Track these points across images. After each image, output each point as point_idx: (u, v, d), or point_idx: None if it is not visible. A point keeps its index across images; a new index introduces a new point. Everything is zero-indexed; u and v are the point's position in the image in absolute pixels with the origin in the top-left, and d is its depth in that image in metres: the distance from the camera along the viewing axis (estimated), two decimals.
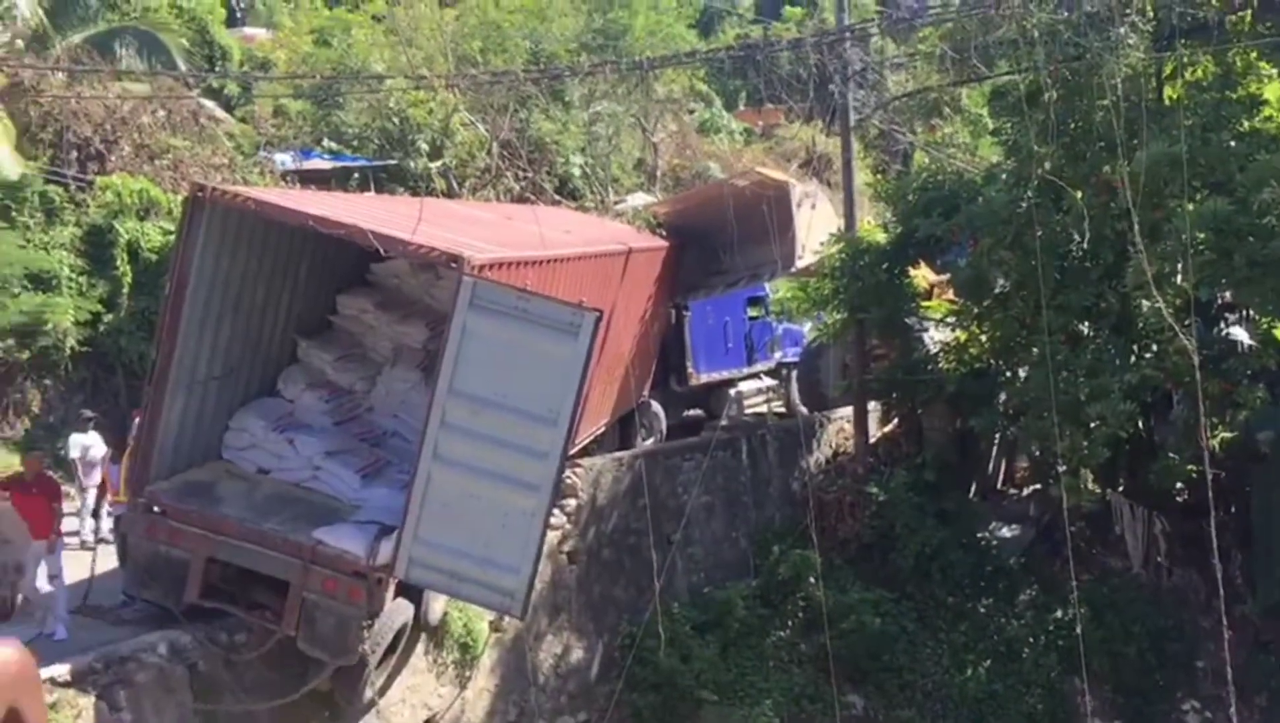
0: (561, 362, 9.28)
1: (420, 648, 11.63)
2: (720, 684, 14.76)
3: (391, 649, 10.49)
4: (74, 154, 19.21)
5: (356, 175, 23.11)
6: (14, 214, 17.41)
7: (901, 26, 20.86)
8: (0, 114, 19.43)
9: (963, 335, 18.69)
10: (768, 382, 22.22)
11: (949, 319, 19.16)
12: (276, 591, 9.88)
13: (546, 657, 13.66)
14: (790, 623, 16.22)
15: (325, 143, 24.10)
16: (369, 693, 10.51)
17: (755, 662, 15.40)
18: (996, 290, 17.43)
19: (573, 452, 11.86)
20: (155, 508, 9.93)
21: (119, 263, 17.81)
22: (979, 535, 18.08)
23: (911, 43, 24.13)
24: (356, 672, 10.04)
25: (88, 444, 13.99)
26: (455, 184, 23.43)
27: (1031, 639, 16.93)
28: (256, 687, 9.92)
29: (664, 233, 19.87)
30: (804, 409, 20.86)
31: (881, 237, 18.90)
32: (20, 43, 20.60)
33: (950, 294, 19.71)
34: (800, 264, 18.40)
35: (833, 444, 19.51)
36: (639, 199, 25.41)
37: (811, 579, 15.97)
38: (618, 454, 16.13)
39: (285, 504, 10.44)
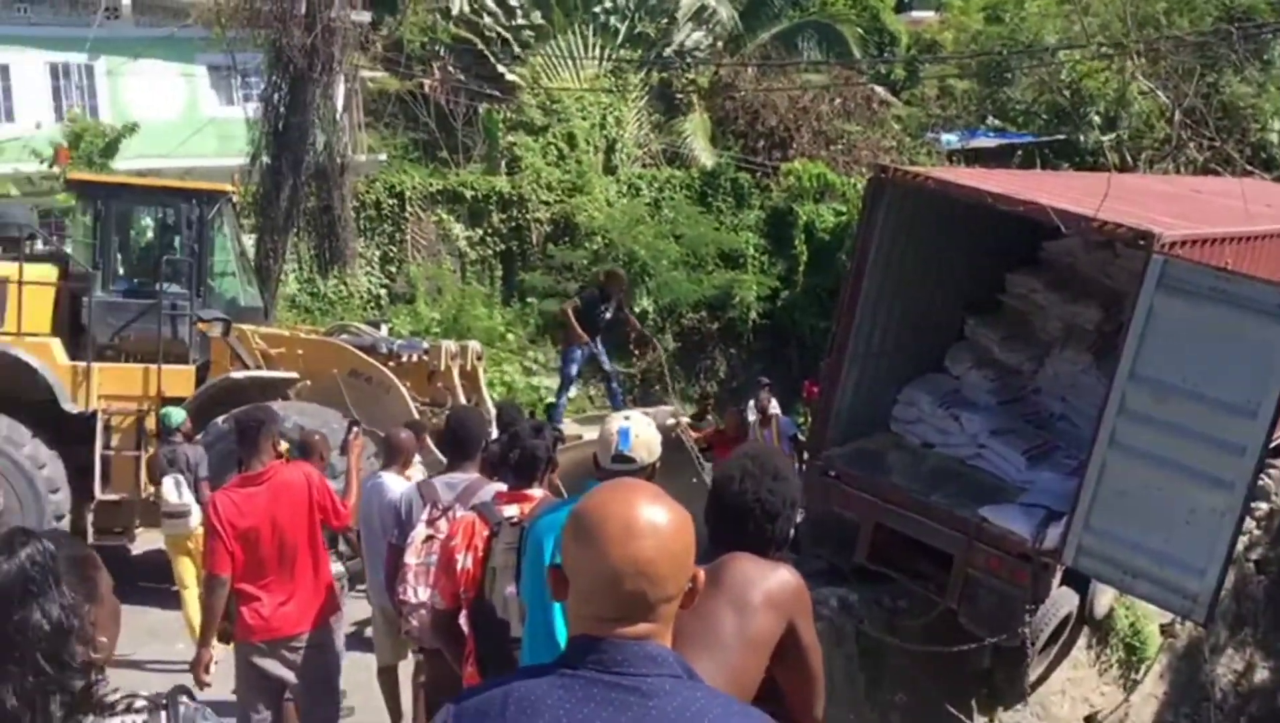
0: (1266, 348, 8.32)
1: (1082, 641, 11.15)
2: None
3: (1054, 638, 10.17)
4: (761, 143, 21.08)
5: (1020, 152, 22.64)
6: (709, 199, 19.58)
7: None
8: (701, 109, 21.92)
9: None
10: None
11: None
12: (938, 563, 10.02)
13: (1225, 672, 12.40)
14: None
15: (990, 120, 23.90)
16: (1029, 678, 10.32)
17: None
18: None
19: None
20: (830, 472, 10.54)
21: (796, 243, 19.27)
22: None
23: None
24: (1018, 655, 9.89)
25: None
26: (1130, 158, 21.97)
27: None
28: (917, 654, 10.17)
29: None
30: None
31: None
32: (720, 44, 23.01)
33: None
34: None
35: None
36: None
37: None
38: None
39: (949, 479, 10.51)
